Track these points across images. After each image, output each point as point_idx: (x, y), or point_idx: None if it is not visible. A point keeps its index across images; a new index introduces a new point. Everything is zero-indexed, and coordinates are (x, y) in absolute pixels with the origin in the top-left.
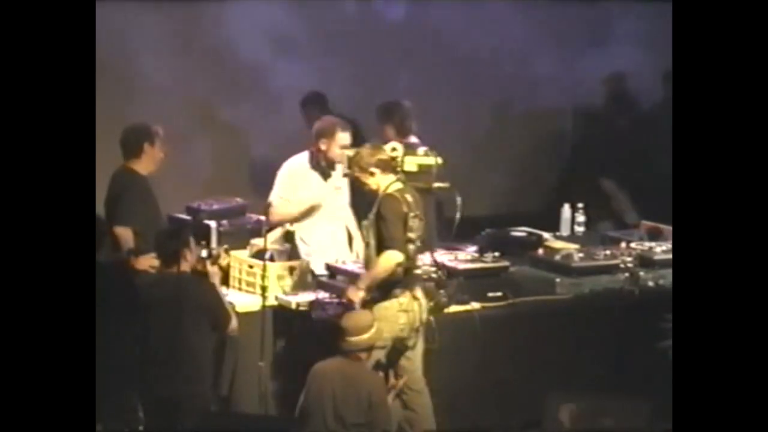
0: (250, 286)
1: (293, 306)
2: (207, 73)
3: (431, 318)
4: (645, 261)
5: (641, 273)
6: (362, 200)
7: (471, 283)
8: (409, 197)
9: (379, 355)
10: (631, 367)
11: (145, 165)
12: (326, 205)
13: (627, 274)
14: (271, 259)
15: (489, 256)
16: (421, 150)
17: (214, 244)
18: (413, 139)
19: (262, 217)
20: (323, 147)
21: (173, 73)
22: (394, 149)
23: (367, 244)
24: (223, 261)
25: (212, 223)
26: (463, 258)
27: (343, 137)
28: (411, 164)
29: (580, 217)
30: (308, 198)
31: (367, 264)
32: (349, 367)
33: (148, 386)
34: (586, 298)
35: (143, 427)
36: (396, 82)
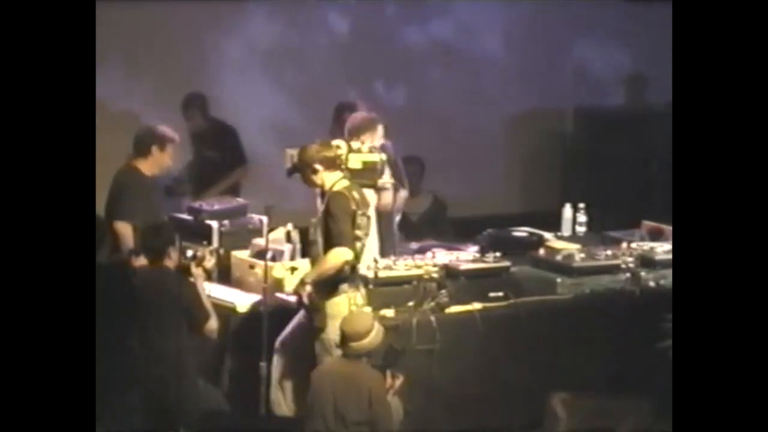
0: (251, 285)
1: (294, 306)
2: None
3: (432, 318)
4: (646, 261)
5: (642, 273)
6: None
7: (472, 283)
8: (356, 194)
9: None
10: (632, 367)
11: (149, 166)
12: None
13: (628, 275)
14: (273, 259)
15: (490, 256)
16: (366, 147)
17: (215, 244)
18: (380, 141)
19: (263, 218)
20: (367, 142)
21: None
22: (338, 147)
23: (313, 242)
24: (208, 263)
25: (214, 223)
26: (464, 258)
27: (381, 130)
28: (356, 162)
29: (582, 217)
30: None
31: (313, 261)
32: (349, 366)
33: (143, 385)
34: (587, 299)
35: (143, 428)
36: (396, 82)
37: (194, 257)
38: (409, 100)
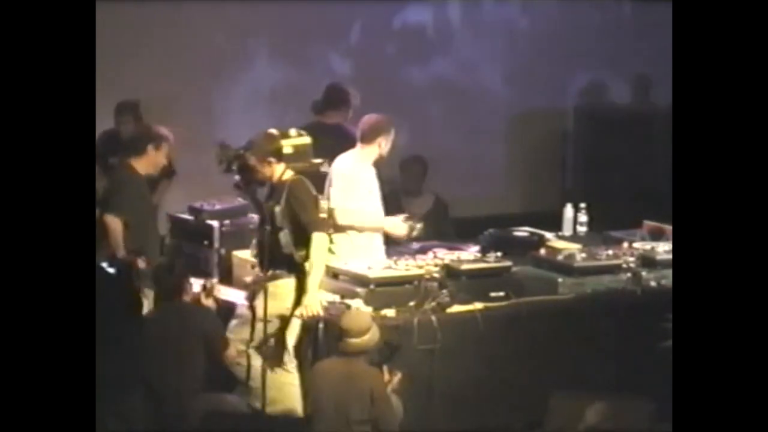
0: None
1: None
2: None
3: (433, 317)
4: (647, 261)
5: (643, 273)
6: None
7: (473, 282)
8: (308, 181)
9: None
10: (633, 367)
11: (144, 165)
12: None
13: (629, 274)
14: None
15: (491, 255)
16: (293, 131)
17: (216, 244)
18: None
19: None
20: (383, 144)
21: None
22: (279, 135)
23: (279, 230)
24: (218, 293)
25: (215, 223)
26: (465, 258)
27: (393, 132)
28: (288, 147)
29: (583, 217)
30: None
31: (273, 250)
32: (349, 365)
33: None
34: (588, 298)
35: (143, 428)
36: (396, 82)
37: (204, 288)
38: (409, 100)
